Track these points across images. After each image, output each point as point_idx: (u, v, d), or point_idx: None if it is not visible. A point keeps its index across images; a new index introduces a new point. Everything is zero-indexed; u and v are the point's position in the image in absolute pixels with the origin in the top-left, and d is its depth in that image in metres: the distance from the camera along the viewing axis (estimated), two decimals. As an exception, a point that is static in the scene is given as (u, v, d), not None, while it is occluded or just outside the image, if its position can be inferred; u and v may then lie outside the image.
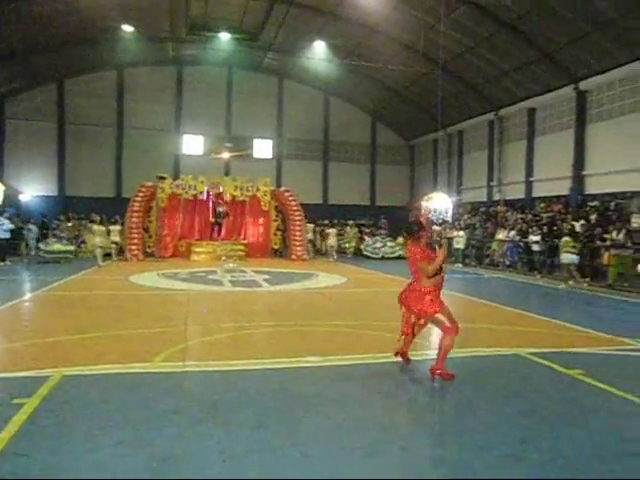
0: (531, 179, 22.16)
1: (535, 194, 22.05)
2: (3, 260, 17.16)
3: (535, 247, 17.08)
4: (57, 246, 18.10)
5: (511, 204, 22.83)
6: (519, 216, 20.47)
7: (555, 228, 17.34)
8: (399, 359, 5.82)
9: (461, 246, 20.19)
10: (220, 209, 21.98)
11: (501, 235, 19.64)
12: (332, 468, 3.33)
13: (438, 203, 18.52)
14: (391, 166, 31.64)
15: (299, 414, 4.29)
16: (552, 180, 20.86)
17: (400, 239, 24.11)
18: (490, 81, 22.27)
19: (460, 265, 19.75)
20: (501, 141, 24.08)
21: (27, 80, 25.08)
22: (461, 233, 20.48)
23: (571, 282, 13.86)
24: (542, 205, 20.74)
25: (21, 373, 5.16)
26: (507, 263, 18.49)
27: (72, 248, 18.74)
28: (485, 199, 24.95)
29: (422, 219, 6.05)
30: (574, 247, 13.83)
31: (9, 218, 18.52)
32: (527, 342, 6.90)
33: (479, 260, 20.30)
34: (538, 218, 19.34)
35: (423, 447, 3.68)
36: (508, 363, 6.00)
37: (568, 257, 13.85)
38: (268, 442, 3.71)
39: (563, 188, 20.07)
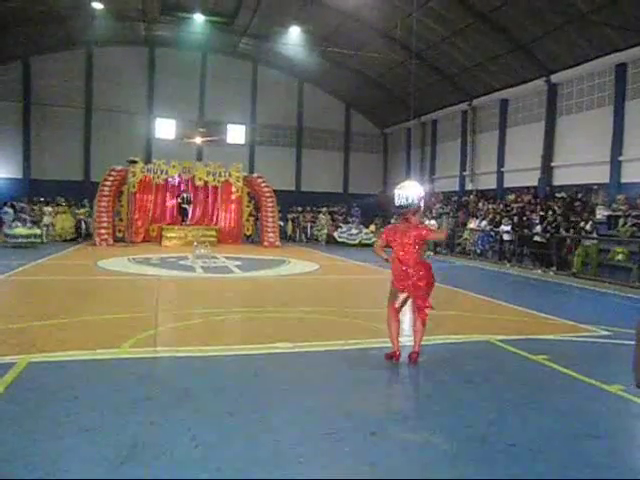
0: (502, 169, 22.51)
1: (506, 184, 22.41)
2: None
3: (506, 237, 17.39)
4: (20, 230, 17.49)
5: (483, 194, 23.16)
6: (490, 206, 20.78)
7: (525, 218, 17.69)
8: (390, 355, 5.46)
9: (432, 235, 20.40)
10: (184, 194, 21.81)
11: (472, 224, 19.93)
12: (303, 454, 3.35)
13: (410, 191, 18.76)
14: (364, 154, 31.71)
15: (271, 400, 4.29)
16: (522, 171, 21.24)
17: (372, 227, 24.32)
18: (464, 71, 22.43)
19: (431, 253, 19.96)
20: (474, 131, 24.35)
21: (-10, 58, 24.18)
22: (432, 222, 20.68)
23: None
24: (512, 195, 21.09)
25: (-17, 360, 5.03)
26: (478, 252, 18.80)
27: (38, 232, 18.17)
28: (457, 188, 25.25)
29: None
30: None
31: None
32: (496, 329, 7.04)
33: (450, 248, 20.58)
34: (509, 208, 19.67)
35: (393, 432, 3.72)
36: (478, 350, 6.11)
37: None
38: (240, 428, 3.70)
39: (533, 179, 20.44)
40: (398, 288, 5.47)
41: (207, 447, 3.38)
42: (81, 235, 21.29)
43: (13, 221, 18.69)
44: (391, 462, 3.28)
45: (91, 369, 4.96)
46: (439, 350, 6.04)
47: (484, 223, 19.23)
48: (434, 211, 23.24)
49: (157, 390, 4.42)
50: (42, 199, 23.32)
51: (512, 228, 17.28)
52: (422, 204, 5.97)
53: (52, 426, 3.64)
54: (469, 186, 24.60)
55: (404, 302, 5.56)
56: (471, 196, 23.48)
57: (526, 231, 16.78)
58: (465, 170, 24.88)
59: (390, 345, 5.51)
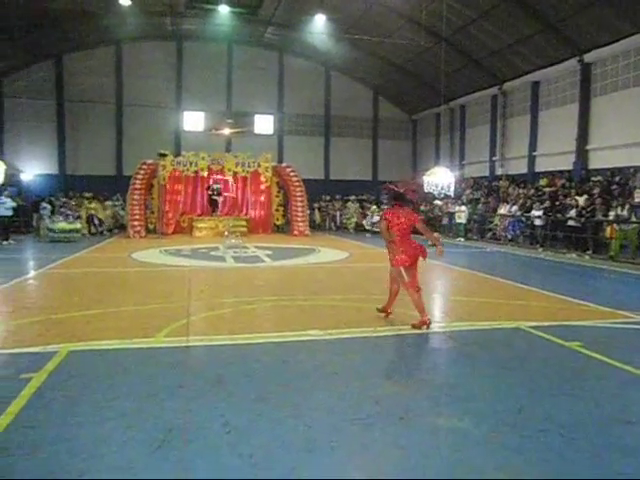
0: (534, 154, 22.02)
1: (538, 169, 21.93)
2: (7, 239, 17.21)
3: (537, 222, 17.07)
4: (63, 224, 18.01)
5: (513, 179, 22.74)
6: (521, 191, 20.41)
7: (558, 203, 17.32)
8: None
9: (463, 220, 20.23)
10: (215, 186, 22.02)
11: (503, 210, 19.63)
12: (333, 439, 3.41)
13: (440, 178, 18.58)
14: (393, 141, 31.45)
15: (301, 387, 4.37)
16: (555, 155, 20.73)
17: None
18: (494, 54, 21.95)
19: (462, 239, 19.80)
20: (504, 115, 23.87)
21: (25, 57, 24.80)
22: (463, 208, 20.48)
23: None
24: (544, 180, 20.65)
25: (28, 349, 5.24)
26: (509, 237, 18.52)
27: (79, 226, 18.66)
28: (487, 174, 24.85)
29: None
30: None
31: (11, 196, 18.51)
32: (528, 315, 6.96)
33: (481, 234, 20.33)
34: (540, 193, 19.28)
35: (421, 417, 3.75)
36: (508, 336, 6.06)
37: None
38: (271, 414, 3.78)
39: (566, 163, 19.95)
40: (405, 264, 6.38)
41: (239, 433, 3.47)
42: (97, 231, 21.49)
43: (50, 216, 19.24)
44: (421, 447, 3.31)
45: (127, 357, 5.12)
46: (470, 336, 6.02)
47: (515, 208, 18.91)
48: (464, 197, 22.98)
49: (190, 377, 4.55)
50: (80, 194, 23.85)
51: (544, 213, 16.95)
52: (417, 198, 6.94)
53: (92, 411, 3.79)
54: (499, 171, 24.19)
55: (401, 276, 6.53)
56: (501, 181, 23.10)
57: (559, 215, 16.44)
58: (495, 155, 24.45)
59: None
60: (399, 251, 6.32)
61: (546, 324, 6.43)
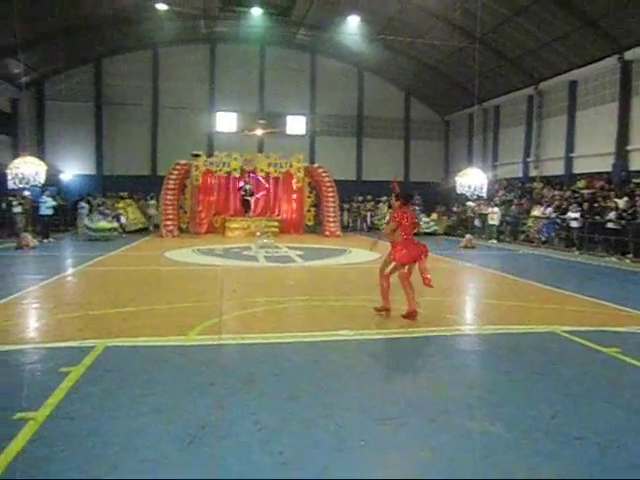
0: (571, 155, 21.48)
1: (575, 170, 21.38)
2: (47, 237, 17.77)
3: (574, 224, 16.69)
4: (102, 223, 18.44)
5: (548, 180, 22.26)
6: (557, 193, 19.97)
7: (596, 205, 16.89)
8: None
9: (495, 222, 19.93)
10: (247, 186, 22.22)
11: (537, 211, 19.25)
12: (363, 439, 3.42)
13: (472, 179, 18.34)
14: (425, 141, 31.17)
15: (332, 386, 4.38)
16: (594, 156, 20.18)
17: (434, 215, 23.92)
18: (529, 54, 21.51)
19: (494, 241, 19.50)
20: (540, 116, 23.36)
21: (66, 61, 25.52)
22: (496, 209, 20.18)
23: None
24: (582, 181, 20.13)
25: (67, 343, 5.41)
26: (543, 239, 18.15)
27: (116, 225, 19.08)
28: (521, 175, 24.39)
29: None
30: None
31: (52, 196, 19.11)
32: (563, 320, 6.81)
33: (514, 236, 19.99)
34: (577, 195, 18.82)
35: (453, 419, 3.72)
36: (542, 340, 5.94)
37: None
38: (302, 413, 3.81)
39: (605, 164, 19.39)
40: (406, 262, 6.68)
41: (270, 430, 3.51)
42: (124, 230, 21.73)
43: (88, 215, 19.77)
44: (451, 449, 3.29)
45: (161, 354, 5.23)
46: (501, 340, 5.94)
47: (549, 210, 18.52)
48: (497, 198, 22.63)
49: (222, 375, 4.62)
50: (116, 194, 24.42)
51: (581, 215, 16.54)
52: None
53: (128, 405, 3.89)
54: (533, 172, 23.68)
55: (394, 270, 6.87)
56: (535, 183, 22.64)
57: (598, 218, 16.02)
58: (529, 156, 23.95)
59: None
60: (402, 250, 6.65)
61: (582, 329, 6.27)
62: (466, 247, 17.31)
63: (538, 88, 22.98)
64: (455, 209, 24.91)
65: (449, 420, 3.71)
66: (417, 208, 24.47)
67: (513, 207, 21.32)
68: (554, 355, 5.41)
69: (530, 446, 3.34)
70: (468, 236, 18.22)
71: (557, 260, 14.67)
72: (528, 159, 24.00)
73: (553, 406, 3.99)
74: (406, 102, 30.64)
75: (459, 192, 18.92)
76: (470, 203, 22.34)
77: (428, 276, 6.56)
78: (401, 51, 25.93)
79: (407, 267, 6.75)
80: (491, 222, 20.06)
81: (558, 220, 17.74)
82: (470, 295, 9.44)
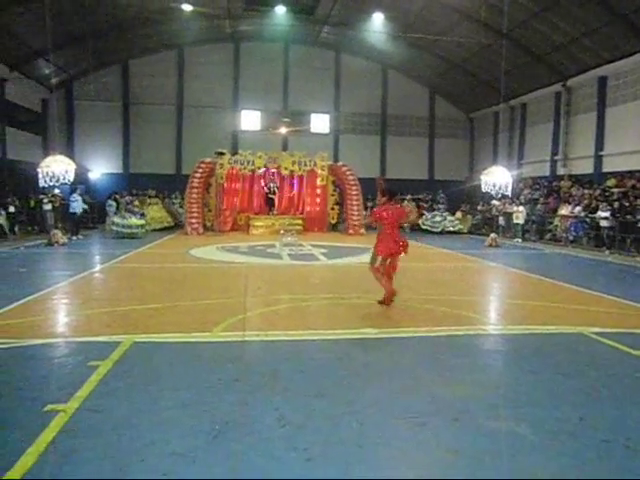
0: (601, 153, 21.02)
1: (605, 169, 20.91)
2: (76, 234, 18.17)
3: (604, 223, 16.36)
4: (133, 220, 18.59)
5: (576, 179, 21.84)
6: (586, 191, 19.58)
7: (627, 204, 16.52)
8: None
9: (520, 221, 19.66)
10: (271, 184, 22.32)
11: (564, 210, 18.92)
12: (386, 436, 3.42)
13: (497, 177, 18.10)
14: (450, 140, 30.89)
15: (355, 384, 4.40)
16: (625, 154, 19.70)
17: (458, 214, 23.71)
18: (557, 49, 21.12)
19: (519, 240, 19.24)
20: (568, 113, 22.92)
21: (94, 62, 25.94)
22: (521, 208, 19.90)
23: None
24: (612, 180, 19.69)
25: (95, 338, 5.53)
26: (570, 238, 17.83)
27: (144, 223, 19.28)
28: (548, 174, 23.98)
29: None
30: None
31: (82, 194, 19.52)
32: (592, 321, 6.68)
33: (540, 235, 19.68)
34: (607, 193, 18.43)
35: (477, 419, 3.69)
36: (570, 342, 5.85)
37: None
38: (325, 410, 3.83)
39: (637, 162, 18.91)
40: (385, 255, 7.28)
41: (294, 427, 3.54)
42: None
43: (116, 213, 20.10)
44: (474, 449, 3.27)
45: (187, 350, 5.30)
46: (529, 340, 5.86)
47: (578, 209, 18.17)
48: (522, 197, 22.31)
49: (247, 371, 4.66)
50: (142, 192, 24.80)
51: (612, 214, 16.20)
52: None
53: (155, 400, 3.96)
54: (561, 171, 23.25)
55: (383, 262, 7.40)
56: (562, 181, 22.23)
57: (629, 217, 15.67)
58: (557, 154, 23.53)
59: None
60: (382, 244, 7.25)
61: (612, 331, 6.15)
62: (491, 246, 17.12)
63: (566, 85, 22.56)
64: (480, 208, 24.64)
65: (472, 420, 3.69)
66: (441, 207, 24.33)
67: (539, 206, 20.98)
68: (582, 357, 5.32)
69: (556, 448, 3.30)
70: (493, 235, 18.02)
71: (586, 260, 14.40)
72: (556, 157, 23.58)
73: (580, 408, 3.93)
74: (431, 100, 30.41)
75: (484, 190, 18.70)
76: (495, 202, 22.08)
77: (396, 270, 7.44)
78: (426, 48, 25.73)
79: (392, 262, 7.35)
80: (516, 221, 19.80)
81: (587, 219, 17.40)
82: (494, 295, 9.34)
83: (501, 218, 21.48)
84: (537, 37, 21.00)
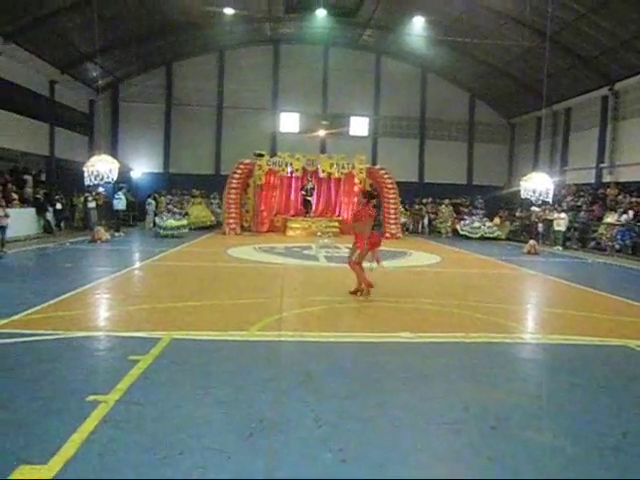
0: (652, 159, 20.24)
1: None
2: (118, 230, 18.70)
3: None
4: (171, 222, 18.81)
5: (623, 186, 21.12)
6: (634, 199, 18.92)
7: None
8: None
9: (562, 228, 19.15)
10: (309, 186, 22.39)
11: (610, 218, 18.34)
12: (420, 440, 3.40)
13: (538, 183, 17.68)
14: (489, 145, 30.45)
15: (390, 387, 4.39)
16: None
17: (497, 219, 23.28)
18: (605, 52, 20.50)
19: (560, 248, 18.73)
20: (615, 118, 22.22)
21: (139, 65, 26.75)
22: (562, 215, 19.38)
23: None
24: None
25: (136, 333, 5.67)
26: (617, 247, 17.26)
27: (185, 223, 19.43)
28: (593, 180, 23.28)
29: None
30: None
31: (124, 193, 20.08)
32: (637, 334, 6.45)
33: (582, 243, 19.12)
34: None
35: (514, 429, 3.62)
36: (612, 354, 5.67)
37: None
38: (360, 412, 3.83)
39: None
40: (364, 250, 8.13)
41: (330, 427, 3.55)
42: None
43: (155, 212, 20.56)
44: (512, 460, 3.21)
45: (223, 349, 5.38)
46: (566, 351, 5.72)
47: (625, 217, 17.58)
48: (564, 204, 21.73)
49: (282, 371, 4.71)
50: (180, 192, 25.29)
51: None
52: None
53: (192, 396, 4.04)
54: (607, 178, 22.54)
55: (363, 258, 8.23)
56: (609, 189, 21.55)
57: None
58: (603, 161, 22.82)
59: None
60: (363, 240, 8.11)
61: (659, 344, 5.93)
62: (529, 253, 16.74)
63: (614, 89, 21.88)
64: (518, 214, 24.13)
65: (510, 429, 3.62)
66: (479, 212, 23.94)
67: (582, 213, 20.40)
68: (625, 370, 5.14)
69: (598, 463, 3.22)
70: (532, 242, 17.59)
71: (631, 270, 13.91)
72: (602, 164, 22.87)
73: (624, 424, 3.80)
74: (471, 104, 30.04)
75: (523, 197, 18.30)
76: (535, 208, 21.56)
77: (379, 259, 8.40)
78: (467, 52, 25.41)
79: (366, 256, 8.22)
80: (557, 228, 19.29)
81: (637, 228, 16.81)
82: (532, 303, 9.13)
83: (541, 225, 20.96)
84: (583, 39, 20.44)
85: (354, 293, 8.26)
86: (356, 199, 22.82)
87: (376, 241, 8.42)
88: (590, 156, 23.48)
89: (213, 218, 23.41)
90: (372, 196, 9.16)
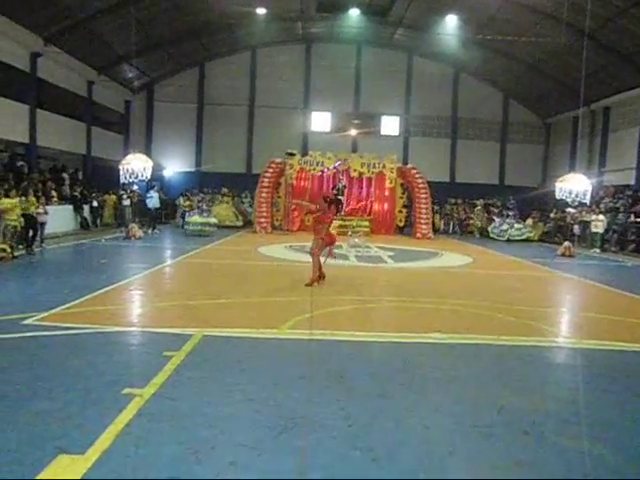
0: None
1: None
2: (153, 228, 19.08)
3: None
4: (196, 217, 19.04)
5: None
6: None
7: None
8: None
9: (600, 230, 18.62)
10: (340, 185, 22.36)
11: (651, 221, 17.76)
12: (451, 442, 3.37)
13: (574, 184, 17.25)
14: (523, 145, 29.88)
15: (421, 387, 4.36)
16: None
17: (529, 221, 22.85)
18: (646, 48, 19.87)
19: (597, 250, 18.23)
20: (658, 117, 21.50)
21: (173, 65, 27.24)
22: (601, 217, 18.85)
23: None
24: None
25: (168, 330, 5.78)
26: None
27: (214, 220, 19.51)
28: (633, 182, 22.57)
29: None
30: None
31: (158, 191, 20.44)
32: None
33: (621, 246, 18.57)
34: None
35: (549, 434, 3.55)
36: (651, 360, 5.51)
37: None
38: (391, 412, 3.82)
39: None
40: (328, 244, 9.44)
41: (360, 426, 3.55)
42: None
43: (186, 211, 20.82)
44: (547, 467, 3.14)
45: (255, 346, 5.43)
46: (601, 356, 5.59)
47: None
48: (602, 205, 21.15)
49: (313, 370, 4.72)
50: (212, 190, 25.58)
51: None
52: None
53: (223, 392, 4.09)
54: (647, 179, 21.85)
55: (323, 249, 9.33)
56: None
57: None
58: (645, 162, 22.09)
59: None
60: (327, 237, 9.34)
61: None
62: (564, 255, 16.35)
63: (655, 86, 21.17)
64: (552, 215, 23.60)
65: (544, 435, 3.55)
66: (510, 213, 23.50)
67: (621, 215, 19.82)
68: (665, 377, 4.99)
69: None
70: (567, 243, 17.16)
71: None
72: (642, 165, 22.15)
73: (663, 432, 3.69)
74: (504, 104, 29.54)
75: (558, 198, 17.89)
76: (570, 209, 21.05)
77: (333, 254, 10.20)
78: (500, 51, 24.99)
79: (325, 249, 9.42)
80: (595, 230, 18.78)
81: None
82: (567, 307, 8.93)
83: (576, 227, 20.43)
84: (623, 36, 19.84)
85: (310, 285, 8.81)
86: (387, 197, 22.73)
87: (332, 240, 9.65)
88: (631, 157, 22.77)
89: (234, 218, 23.40)
90: (332, 201, 9.88)
